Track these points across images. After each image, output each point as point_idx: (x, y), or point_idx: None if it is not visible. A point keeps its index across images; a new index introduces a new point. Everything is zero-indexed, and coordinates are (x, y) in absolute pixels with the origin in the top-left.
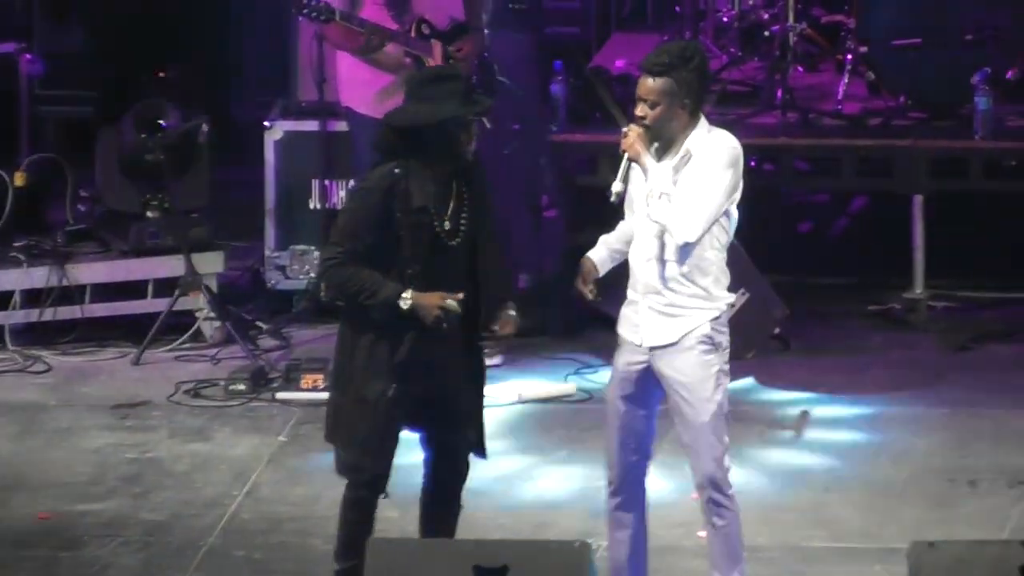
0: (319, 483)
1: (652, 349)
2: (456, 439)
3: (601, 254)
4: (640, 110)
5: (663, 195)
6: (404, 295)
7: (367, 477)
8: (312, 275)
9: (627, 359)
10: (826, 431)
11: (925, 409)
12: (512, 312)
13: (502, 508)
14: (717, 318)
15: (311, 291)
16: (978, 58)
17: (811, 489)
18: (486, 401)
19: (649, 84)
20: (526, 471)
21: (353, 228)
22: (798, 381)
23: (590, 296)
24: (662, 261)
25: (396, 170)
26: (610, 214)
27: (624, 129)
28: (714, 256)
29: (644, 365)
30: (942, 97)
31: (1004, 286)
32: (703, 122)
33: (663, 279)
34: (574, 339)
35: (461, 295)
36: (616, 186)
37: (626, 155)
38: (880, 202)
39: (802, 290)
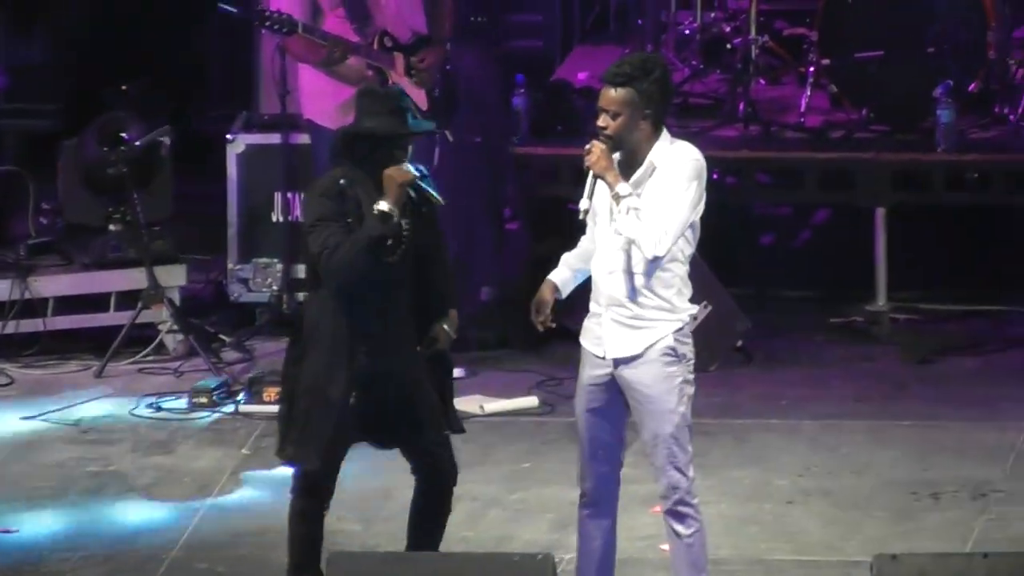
0: (282, 496)
1: (616, 361)
2: (429, 441)
3: (563, 275)
4: (602, 121)
5: (631, 210)
6: (377, 207)
7: (310, 482)
8: (274, 288)
9: (591, 372)
10: (789, 444)
11: (888, 422)
12: (447, 326)
13: (465, 521)
14: (680, 329)
15: (273, 304)
16: (940, 71)
17: (774, 502)
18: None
19: (611, 95)
20: (489, 484)
21: (320, 214)
22: (761, 394)
23: (541, 329)
24: (625, 273)
25: (341, 180)
26: (573, 226)
27: (587, 146)
28: (677, 268)
29: (608, 377)
30: (904, 110)
31: (966, 298)
32: (665, 135)
33: (626, 291)
34: (537, 352)
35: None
36: (583, 203)
37: (591, 171)
38: (842, 215)
39: (765, 303)
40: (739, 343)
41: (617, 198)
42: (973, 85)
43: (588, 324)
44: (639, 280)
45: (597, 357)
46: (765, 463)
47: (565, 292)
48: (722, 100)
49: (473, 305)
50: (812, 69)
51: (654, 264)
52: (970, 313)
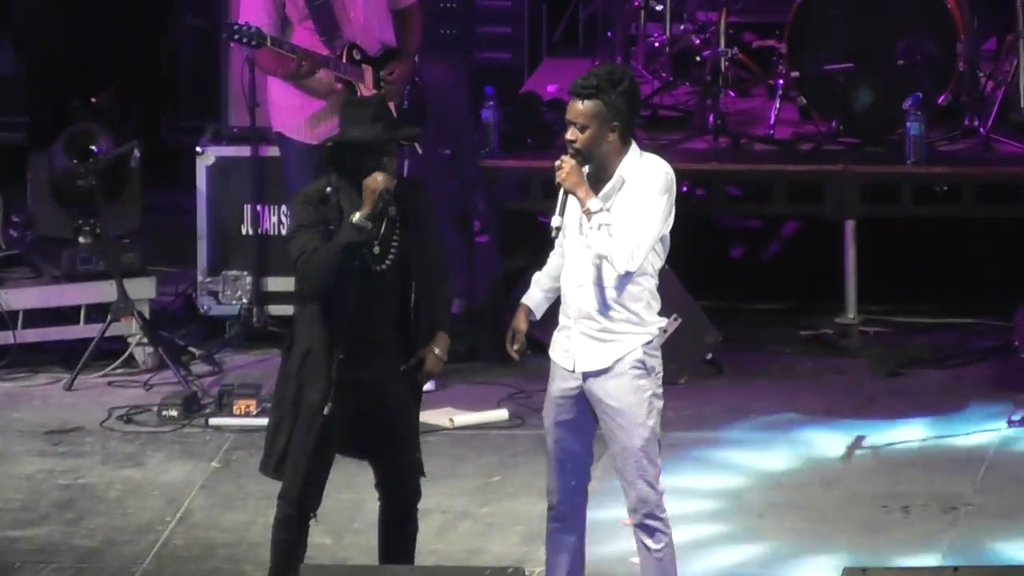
0: (252, 509)
1: (585, 374)
2: (402, 460)
3: (536, 298)
4: (570, 134)
5: (602, 226)
6: (351, 220)
7: (295, 494)
8: (244, 300)
9: (560, 385)
10: (758, 456)
11: (857, 434)
12: (438, 351)
13: (435, 534)
14: (649, 343)
15: (243, 317)
16: (910, 84)
17: (744, 515)
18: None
19: (578, 107)
20: (459, 497)
21: (301, 221)
22: (731, 406)
23: (516, 357)
24: (595, 287)
25: (327, 188)
26: (543, 239)
27: (558, 162)
28: (646, 282)
29: (577, 390)
30: (873, 123)
31: (936, 311)
32: (635, 147)
33: (595, 305)
34: (507, 365)
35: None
36: (555, 220)
37: (562, 187)
38: (812, 227)
39: (734, 315)
40: (709, 355)
41: (588, 214)
42: (942, 98)
43: (557, 337)
44: (609, 293)
45: (566, 370)
46: (734, 476)
47: (539, 314)
48: (691, 112)
49: None
50: (781, 81)
51: (624, 278)
52: (940, 326)
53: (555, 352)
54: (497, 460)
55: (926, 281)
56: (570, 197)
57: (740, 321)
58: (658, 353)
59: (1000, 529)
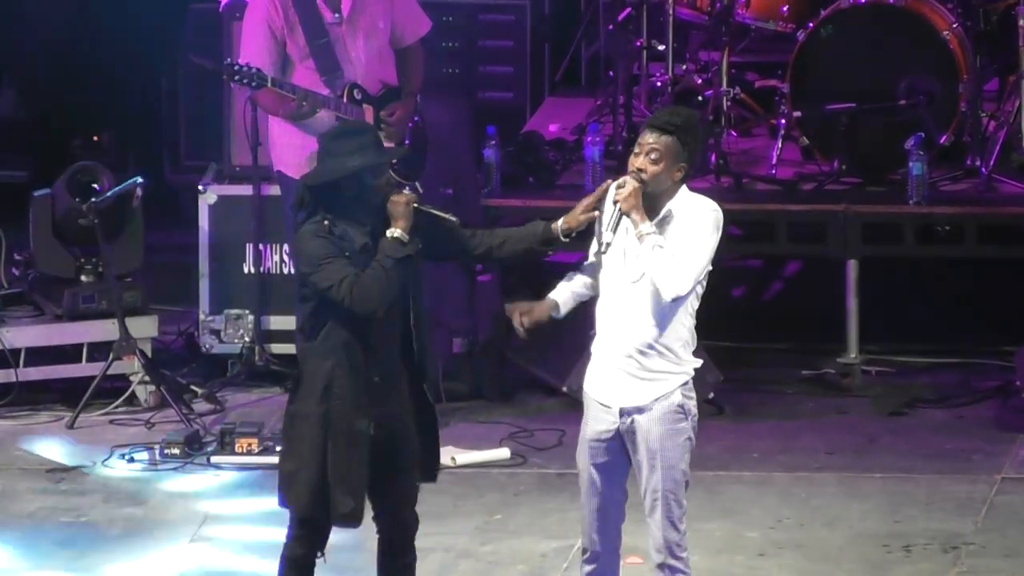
0: (253, 547)
1: (622, 411)
2: (401, 489)
3: (564, 295)
4: (641, 162)
5: (656, 247)
6: (389, 233)
7: (308, 529)
8: (247, 339)
9: (595, 427)
10: (760, 496)
11: (859, 474)
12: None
13: (437, 573)
14: (686, 383)
15: (245, 355)
16: (912, 123)
17: (746, 554)
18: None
19: (659, 139)
20: (460, 535)
21: (324, 253)
22: (732, 446)
23: (521, 332)
24: (637, 323)
25: (325, 221)
26: (543, 278)
27: (621, 179)
28: (687, 320)
29: (613, 431)
30: (876, 162)
31: (938, 351)
32: (685, 188)
33: (636, 342)
34: (508, 403)
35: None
36: (606, 236)
37: (618, 206)
38: (814, 267)
39: (736, 355)
40: (710, 395)
41: (641, 236)
42: (944, 137)
43: (592, 374)
44: (651, 332)
45: (603, 406)
46: (736, 515)
47: (563, 311)
48: (701, 161)
49: (445, 357)
50: (783, 121)
51: (666, 316)
52: (941, 365)
53: (591, 387)
54: (499, 499)
55: (928, 321)
56: (623, 219)
57: (741, 361)
58: (694, 394)
59: (1002, 569)
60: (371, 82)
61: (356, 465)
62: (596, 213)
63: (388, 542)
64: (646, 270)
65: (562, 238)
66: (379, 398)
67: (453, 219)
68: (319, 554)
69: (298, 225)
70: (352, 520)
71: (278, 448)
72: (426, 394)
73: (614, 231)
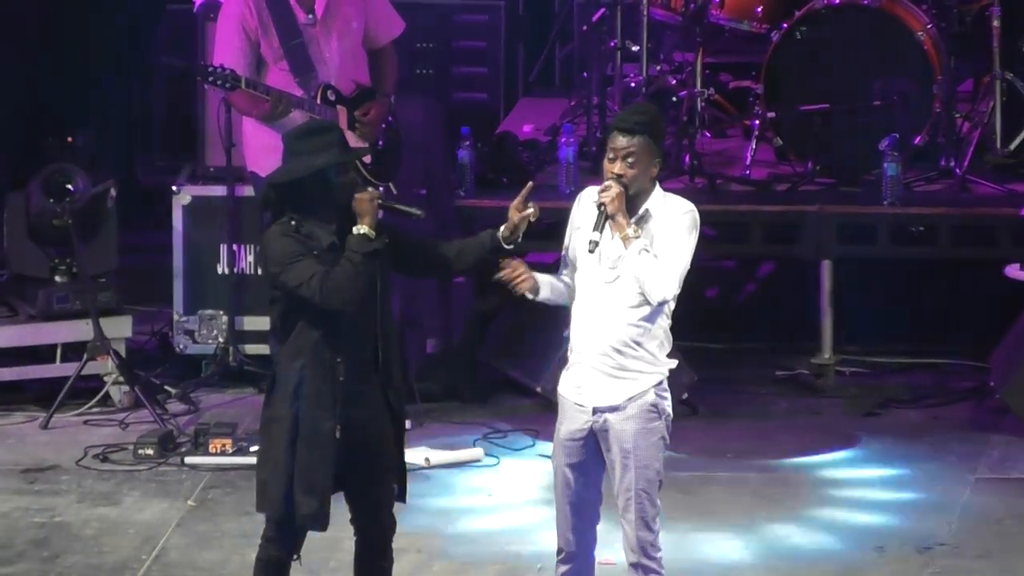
0: (228, 548)
1: (596, 410)
2: (377, 492)
3: (546, 280)
4: (619, 168)
5: (643, 251)
6: (356, 230)
7: (283, 531)
8: (220, 340)
9: (569, 427)
10: (734, 496)
11: (832, 475)
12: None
13: (411, 574)
14: (660, 383)
15: (219, 356)
16: (886, 124)
17: (719, 554)
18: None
19: (631, 141)
20: (433, 536)
21: (292, 252)
22: (705, 446)
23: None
24: (611, 323)
25: (292, 221)
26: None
27: (606, 183)
28: (663, 321)
29: (586, 430)
30: (850, 163)
31: (912, 352)
32: (659, 187)
33: (611, 341)
34: (482, 404)
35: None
36: (594, 235)
37: (604, 208)
38: (788, 268)
39: (710, 356)
40: (684, 396)
41: (627, 239)
42: (919, 138)
43: (567, 374)
44: (626, 331)
45: (577, 405)
46: (710, 516)
47: (542, 294)
48: (667, 153)
49: (419, 357)
50: (757, 122)
51: (642, 316)
52: (915, 366)
53: (565, 387)
54: (472, 499)
55: (902, 322)
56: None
57: (715, 361)
58: (668, 395)
59: (975, 570)
60: (344, 83)
61: (320, 466)
62: (530, 211)
63: (365, 544)
64: (632, 274)
65: (504, 245)
66: (348, 400)
67: (418, 213)
68: (295, 556)
69: (266, 226)
70: (315, 522)
71: (252, 449)
72: (392, 404)
73: (600, 231)
